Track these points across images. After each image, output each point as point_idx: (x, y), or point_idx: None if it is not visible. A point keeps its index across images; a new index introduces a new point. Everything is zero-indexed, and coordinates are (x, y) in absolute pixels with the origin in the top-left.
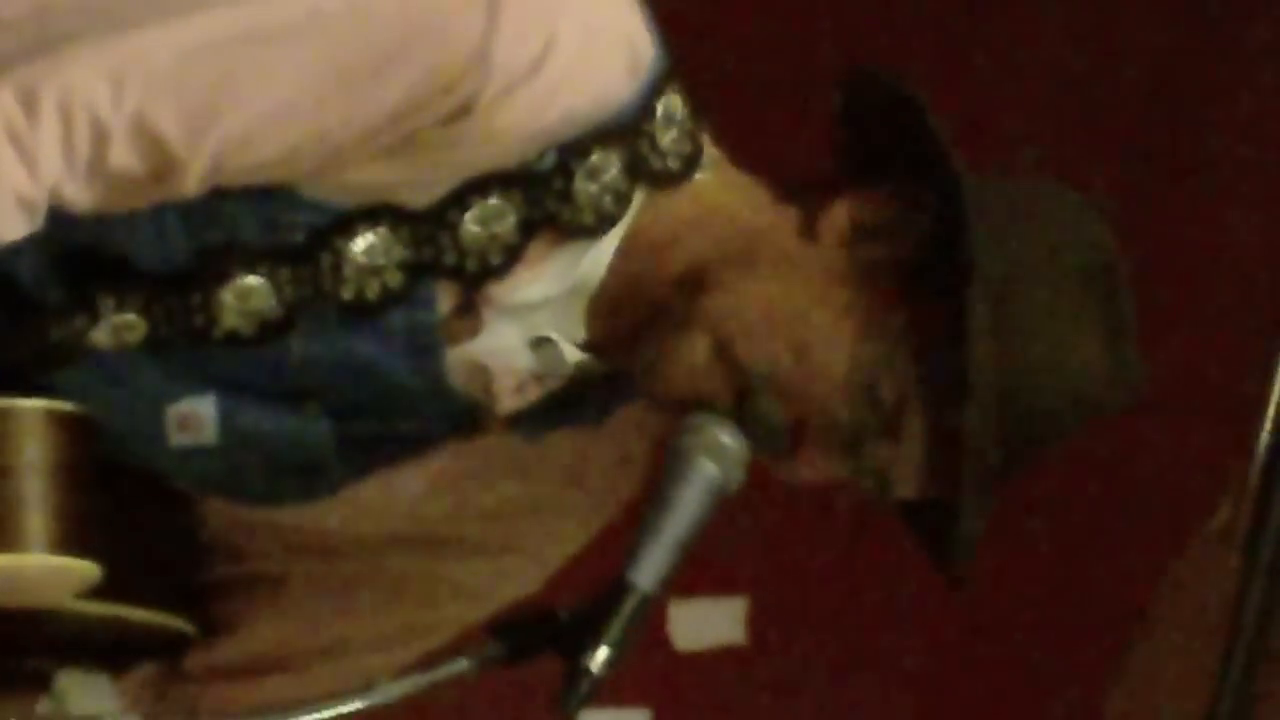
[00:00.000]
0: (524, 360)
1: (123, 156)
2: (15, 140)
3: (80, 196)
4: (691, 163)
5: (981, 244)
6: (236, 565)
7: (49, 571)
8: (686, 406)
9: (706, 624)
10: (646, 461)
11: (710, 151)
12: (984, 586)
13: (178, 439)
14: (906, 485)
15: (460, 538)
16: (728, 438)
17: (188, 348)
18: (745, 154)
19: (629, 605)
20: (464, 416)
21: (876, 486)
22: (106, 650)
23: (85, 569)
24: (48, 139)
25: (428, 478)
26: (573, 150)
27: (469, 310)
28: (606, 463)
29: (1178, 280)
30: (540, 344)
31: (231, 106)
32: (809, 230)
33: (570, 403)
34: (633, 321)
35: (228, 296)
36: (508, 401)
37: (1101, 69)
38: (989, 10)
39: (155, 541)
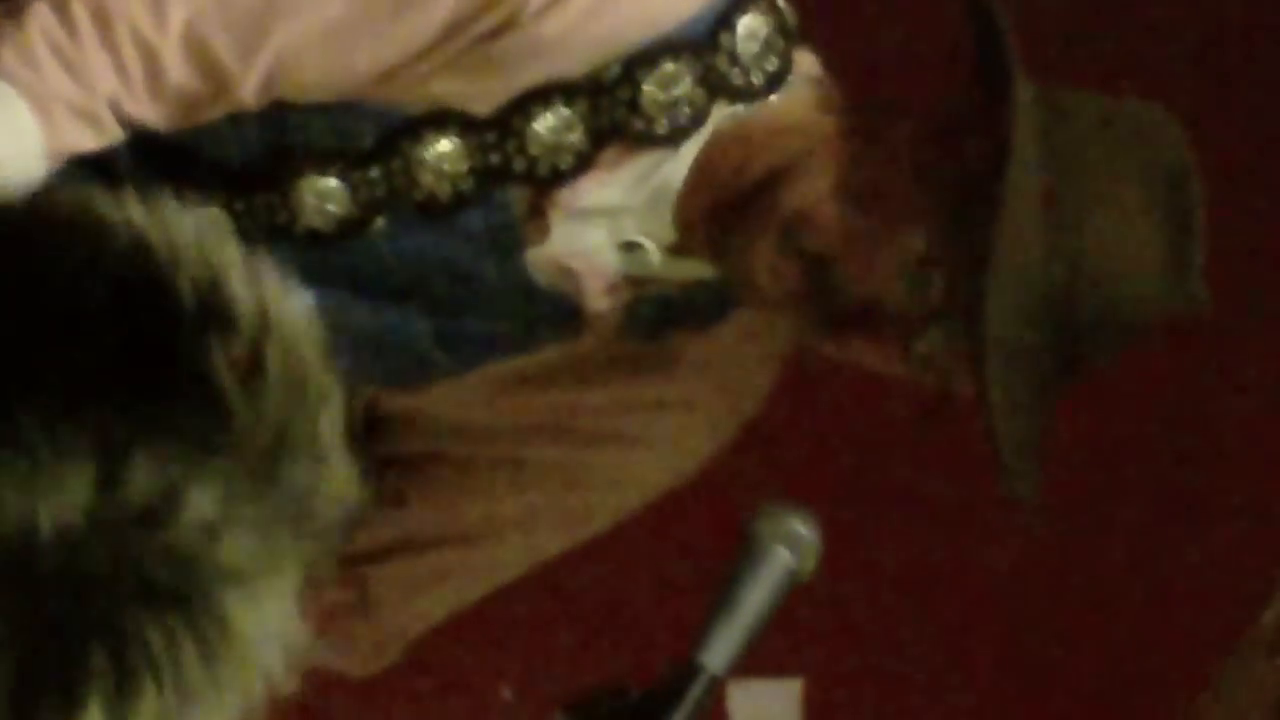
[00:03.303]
0: (613, 263)
1: (178, 74)
2: (57, 51)
3: (150, 115)
4: (777, 80)
5: (1027, 112)
6: (386, 446)
7: None
8: (775, 303)
9: (763, 704)
10: (783, 357)
11: (807, 70)
12: (1034, 685)
13: None
14: (961, 379)
15: (583, 429)
16: (801, 526)
17: (272, 244)
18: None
19: (698, 686)
20: (564, 319)
21: (933, 377)
22: None
23: None
24: (90, 50)
25: (535, 372)
26: (639, 61)
27: (536, 214)
28: (732, 360)
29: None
30: (629, 248)
31: (282, 24)
32: (879, 137)
33: (680, 307)
34: (715, 226)
35: (308, 196)
36: (599, 302)
37: None
38: None
39: None
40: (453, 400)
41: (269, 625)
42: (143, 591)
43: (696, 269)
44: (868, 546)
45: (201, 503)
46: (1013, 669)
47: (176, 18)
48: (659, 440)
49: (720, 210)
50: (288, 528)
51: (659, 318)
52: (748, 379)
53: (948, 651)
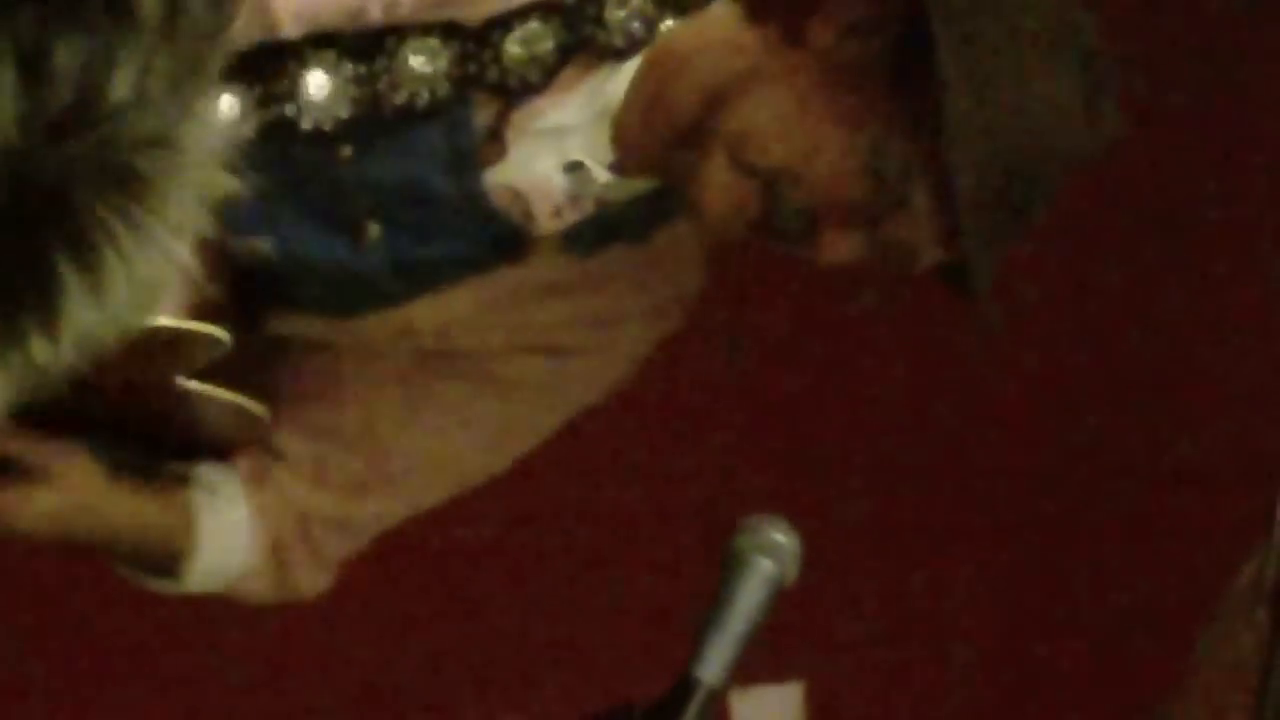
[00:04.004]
0: (559, 184)
1: None
2: None
3: None
4: None
5: (943, 8)
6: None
7: (180, 336)
8: (730, 223)
9: (766, 710)
10: (703, 267)
11: None
12: (1029, 676)
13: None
14: (927, 252)
15: (517, 345)
16: (780, 535)
17: (269, 145)
18: None
19: (697, 700)
20: (510, 242)
21: (900, 260)
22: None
23: (216, 335)
24: None
25: (479, 296)
26: None
27: (495, 134)
28: (664, 271)
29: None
30: (573, 168)
31: None
32: (804, 41)
33: (616, 222)
34: (654, 144)
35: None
36: (546, 224)
37: None
38: None
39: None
40: (403, 317)
41: (207, 141)
42: (87, 180)
43: (639, 186)
44: (860, 548)
45: (123, 80)
46: (1008, 661)
47: None
48: (589, 350)
49: (661, 136)
50: (197, 65)
51: (598, 234)
52: (677, 290)
53: (945, 645)
